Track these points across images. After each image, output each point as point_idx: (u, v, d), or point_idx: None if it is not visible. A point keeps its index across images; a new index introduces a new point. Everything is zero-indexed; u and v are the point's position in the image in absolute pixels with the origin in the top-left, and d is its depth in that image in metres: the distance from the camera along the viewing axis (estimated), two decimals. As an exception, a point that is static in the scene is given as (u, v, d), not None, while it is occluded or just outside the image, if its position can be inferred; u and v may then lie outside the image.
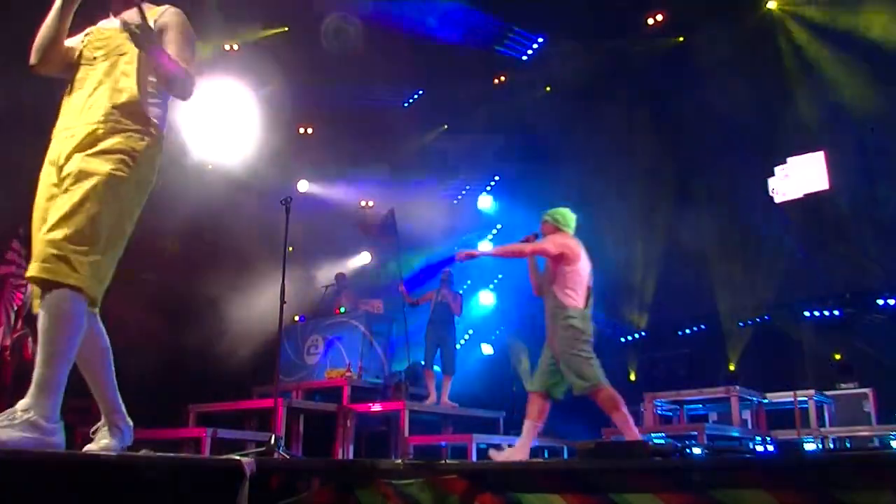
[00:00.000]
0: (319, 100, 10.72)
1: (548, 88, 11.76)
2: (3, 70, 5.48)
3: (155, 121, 3.08)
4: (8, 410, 2.66)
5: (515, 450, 5.55)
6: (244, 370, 9.52)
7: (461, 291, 10.20)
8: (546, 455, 8.09)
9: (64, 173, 2.88)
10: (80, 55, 3.15)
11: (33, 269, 2.74)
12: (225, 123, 9.67)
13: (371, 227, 10.29)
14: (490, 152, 11.69)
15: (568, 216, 5.71)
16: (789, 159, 10.01)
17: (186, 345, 9.61)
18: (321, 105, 10.88)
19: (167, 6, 3.25)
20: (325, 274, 11.43)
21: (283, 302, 6.08)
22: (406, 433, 7.68)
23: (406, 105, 12.48)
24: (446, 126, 11.85)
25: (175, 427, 7.85)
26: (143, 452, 2.90)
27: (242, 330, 9.67)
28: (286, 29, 10.36)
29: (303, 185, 11.58)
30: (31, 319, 7.56)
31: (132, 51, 3.05)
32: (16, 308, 7.38)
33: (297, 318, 10.89)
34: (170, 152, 9.19)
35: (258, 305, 9.75)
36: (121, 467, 2.54)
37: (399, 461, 3.92)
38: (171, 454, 3.83)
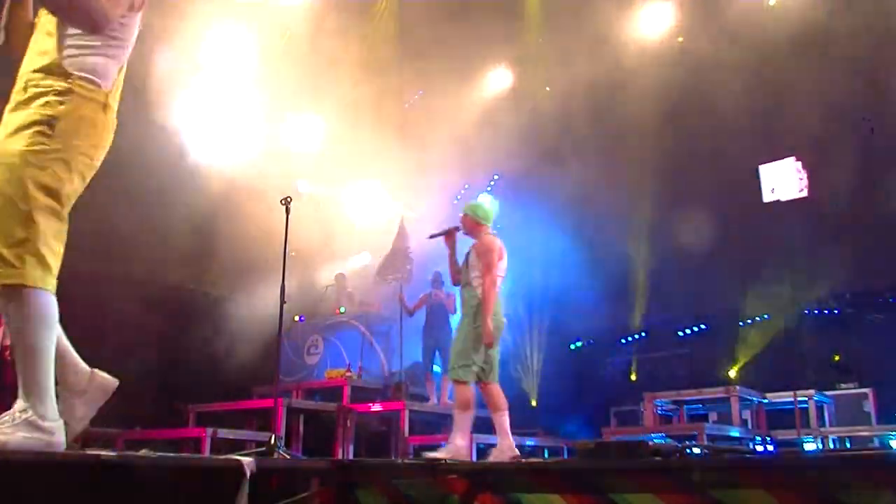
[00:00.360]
0: (320, 94, 10.70)
1: (547, 88, 11.77)
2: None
3: (82, 74, 2.70)
4: (6, 413, 2.60)
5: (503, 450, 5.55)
6: (244, 370, 9.52)
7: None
8: (546, 455, 8.10)
9: None
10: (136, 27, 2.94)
11: None
12: (224, 119, 9.71)
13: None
14: (490, 150, 11.68)
15: (488, 210, 5.75)
16: (786, 159, 10.04)
17: (187, 345, 9.62)
18: (323, 99, 10.87)
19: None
20: (325, 274, 11.43)
21: (283, 302, 6.09)
22: (406, 433, 7.69)
23: (406, 105, 12.51)
24: (446, 125, 11.84)
25: (175, 427, 7.86)
26: (143, 452, 2.90)
27: (243, 330, 9.67)
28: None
29: (303, 185, 11.57)
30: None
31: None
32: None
33: (297, 318, 10.91)
34: (168, 151, 9.19)
35: (258, 305, 9.75)
36: (121, 467, 2.54)
37: (399, 461, 3.93)
38: (172, 454, 3.83)
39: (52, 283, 2.60)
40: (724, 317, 10.41)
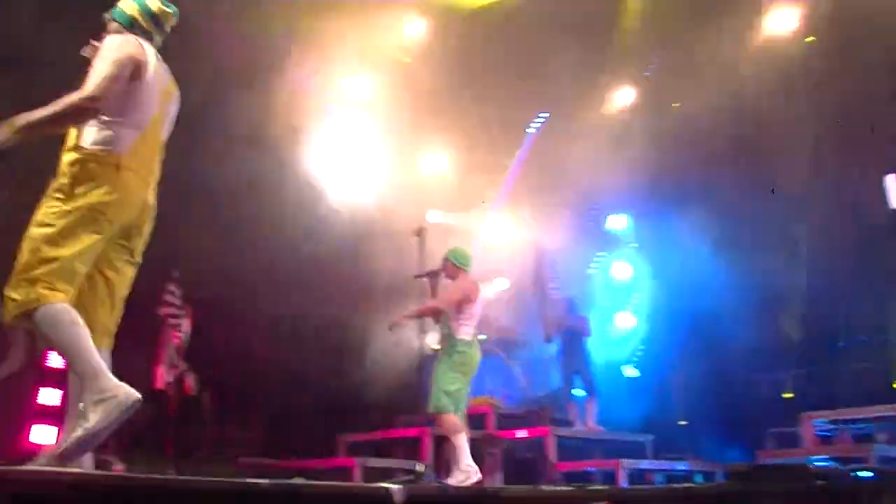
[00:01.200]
0: (444, 125, 10.84)
1: (675, 105, 11.44)
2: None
3: (93, 146, 3.18)
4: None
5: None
6: (389, 400, 9.68)
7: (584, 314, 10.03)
8: (698, 479, 7.78)
9: None
10: (158, 93, 3.41)
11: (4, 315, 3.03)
12: (355, 157, 10.01)
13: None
14: (620, 169, 11.46)
15: (466, 256, 6.47)
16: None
17: (336, 377, 9.87)
18: (447, 130, 11.00)
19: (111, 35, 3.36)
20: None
21: (422, 332, 6.22)
22: (553, 459, 7.59)
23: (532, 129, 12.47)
24: (573, 147, 11.72)
25: (326, 457, 8.08)
26: (295, 480, 2.99)
27: (385, 361, 9.84)
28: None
29: (434, 216, 11.69)
30: (189, 356, 8.02)
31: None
32: (174, 346, 7.83)
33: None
34: (307, 194, 9.51)
35: (398, 336, 9.92)
36: (274, 495, 2.63)
37: (546, 487, 3.87)
38: (323, 482, 3.93)
39: (59, 296, 3.00)
40: (887, 329, 9.70)
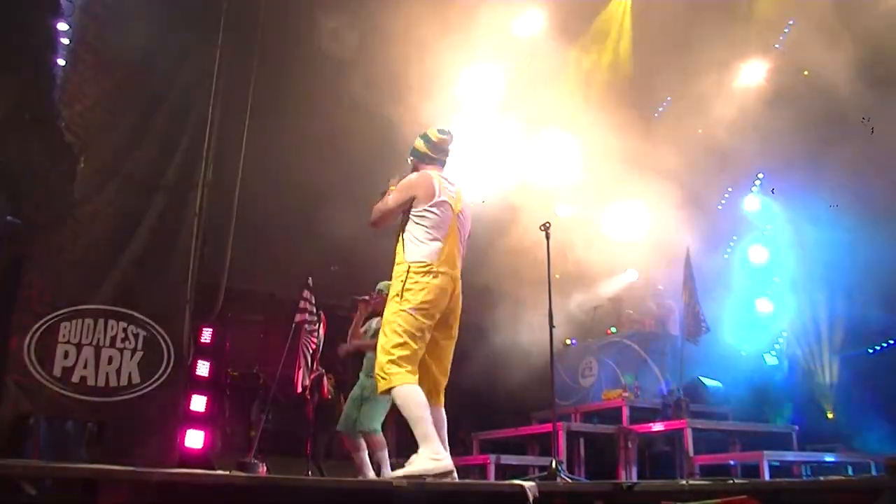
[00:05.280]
0: (568, 117, 10.72)
1: (805, 73, 10.86)
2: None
3: (413, 259, 4.38)
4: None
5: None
6: (522, 397, 9.69)
7: None
8: (850, 471, 7.39)
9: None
10: (449, 206, 4.54)
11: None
12: (483, 154, 10.07)
13: None
14: (750, 149, 10.98)
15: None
16: None
17: (469, 376, 9.98)
18: (571, 122, 10.88)
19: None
20: (591, 296, 11.35)
21: (552, 326, 6.20)
22: (690, 452, 7.41)
23: (656, 115, 12.17)
24: (700, 130, 11.33)
25: (461, 455, 8.19)
26: (430, 479, 3.06)
27: (517, 357, 9.86)
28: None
29: (562, 209, 11.61)
30: (325, 360, 8.30)
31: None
32: (311, 351, 8.13)
33: (568, 341, 10.92)
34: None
35: (529, 332, 9.91)
36: (413, 493, 2.71)
37: (685, 481, 3.79)
38: (459, 480, 4.01)
39: (412, 378, 4.15)
40: None
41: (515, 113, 10.40)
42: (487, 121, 10.31)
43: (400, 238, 4.53)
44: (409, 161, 4.79)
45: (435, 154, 4.72)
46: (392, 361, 4.12)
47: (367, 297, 6.76)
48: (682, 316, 9.20)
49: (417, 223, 4.44)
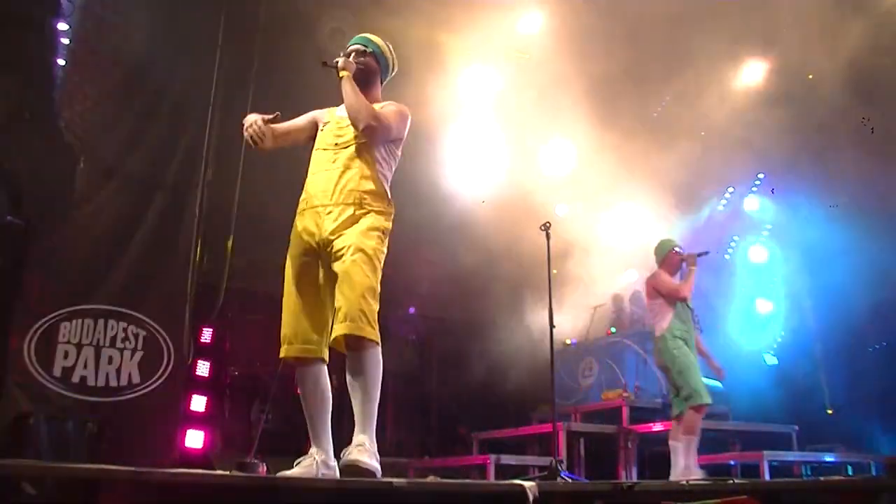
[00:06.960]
0: (566, 117, 10.72)
1: (810, 76, 10.86)
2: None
3: (390, 198, 3.71)
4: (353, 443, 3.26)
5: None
6: (522, 396, 9.69)
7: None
8: (850, 471, 7.39)
9: (337, 246, 3.51)
10: (316, 138, 3.92)
11: (344, 328, 3.32)
12: (481, 155, 10.07)
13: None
14: (751, 149, 10.98)
15: None
16: None
17: (467, 375, 9.98)
18: (570, 122, 10.88)
19: (388, 102, 3.86)
20: (592, 297, 11.34)
21: (552, 326, 6.20)
22: (691, 452, 7.39)
23: (654, 115, 12.16)
24: (703, 133, 11.33)
25: (461, 455, 8.19)
26: (430, 479, 3.06)
27: (517, 357, 9.86)
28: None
29: (561, 209, 11.61)
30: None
31: (370, 142, 3.69)
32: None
33: (568, 341, 10.92)
34: (440, 194, 9.63)
35: (529, 331, 9.91)
36: (411, 493, 2.70)
37: (685, 481, 3.79)
38: (459, 480, 4.00)
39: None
40: None
41: (515, 113, 10.40)
42: (487, 121, 10.31)
43: (372, 161, 3.69)
44: (363, 61, 3.86)
45: (388, 75, 4.01)
46: (371, 313, 3.41)
47: None
48: None
49: (390, 161, 3.80)
